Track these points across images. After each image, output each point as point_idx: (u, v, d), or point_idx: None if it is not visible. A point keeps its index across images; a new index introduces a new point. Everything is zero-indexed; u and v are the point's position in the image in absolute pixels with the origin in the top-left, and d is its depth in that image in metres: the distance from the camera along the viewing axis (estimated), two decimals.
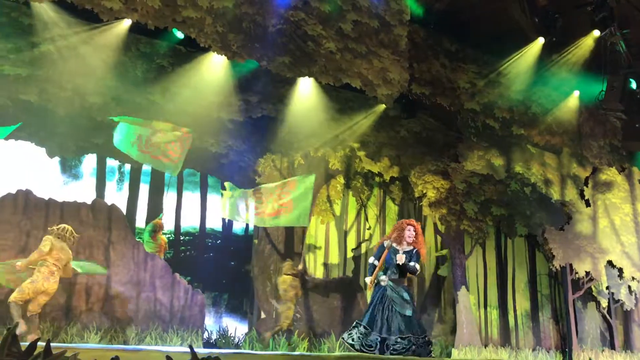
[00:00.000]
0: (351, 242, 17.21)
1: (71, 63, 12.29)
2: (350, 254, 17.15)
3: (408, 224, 8.04)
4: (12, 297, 9.12)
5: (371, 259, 7.96)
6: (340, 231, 17.14)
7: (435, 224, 16.73)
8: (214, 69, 12.98)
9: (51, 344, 3.42)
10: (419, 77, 14.10)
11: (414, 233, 7.90)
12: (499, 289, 18.17)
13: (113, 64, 12.48)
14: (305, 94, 13.54)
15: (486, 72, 14.97)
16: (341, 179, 16.52)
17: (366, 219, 17.60)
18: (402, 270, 7.73)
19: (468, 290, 16.12)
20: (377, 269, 7.69)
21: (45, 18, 11.92)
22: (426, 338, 7.58)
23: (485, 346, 15.98)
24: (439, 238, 17.63)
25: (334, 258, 16.86)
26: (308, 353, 9.41)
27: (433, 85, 14.35)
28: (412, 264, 7.72)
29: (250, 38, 11.72)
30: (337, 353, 6.39)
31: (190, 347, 3.78)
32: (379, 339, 7.36)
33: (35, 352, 3.37)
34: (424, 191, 15.77)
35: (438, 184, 15.56)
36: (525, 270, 18.74)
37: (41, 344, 3.40)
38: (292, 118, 13.94)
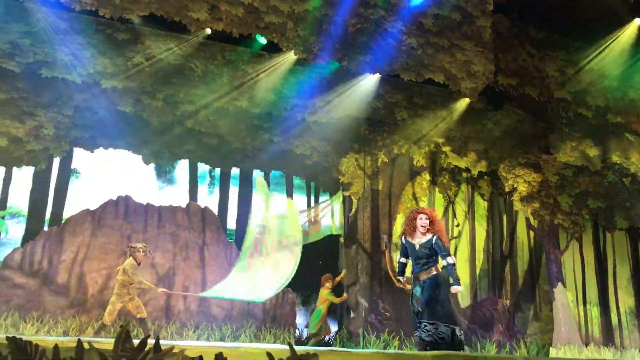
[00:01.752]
0: None
1: (162, 74, 12.92)
2: None
3: (419, 212, 7.10)
4: (143, 314, 9.45)
5: (399, 259, 7.25)
6: None
7: (527, 219, 16.15)
8: (296, 72, 13.22)
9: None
10: (504, 68, 13.68)
11: (427, 221, 6.93)
12: (599, 286, 17.26)
13: (201, 73, 12.98)
14: (388, 91, 13.49)
15: (576, 58, 14.29)
16: (427, 176, 16.30)
17: (454, 215, 17.25)
18: (427, 260, 6.91)
19: (565, 286, 15.44)
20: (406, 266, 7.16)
21: (137, 33, 12.60)
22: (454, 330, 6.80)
23: (586, 345, 15.24)
24: (531, 233, 17.00)
25: None
26: (403, 352, 9.38)
27: (520, 75, 13.88)
28: (449, 267, 6.84)
29: (331, 39, 11.84)
30: (432, 352, 6.31)
31: (290, 344, 3.87)
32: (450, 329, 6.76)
33: (146, 349, 3.56)
34: (515, 185, 15.26)
35: (529, 178, 15.01)
36: (627, 265, 17.69)
37: (150, 341, 3.59)
38: (375, 116, 13.92)
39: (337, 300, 11.69)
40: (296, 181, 16.88)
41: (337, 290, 11.99)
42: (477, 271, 16.52)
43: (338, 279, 11.95)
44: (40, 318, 10.77)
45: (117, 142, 14.33)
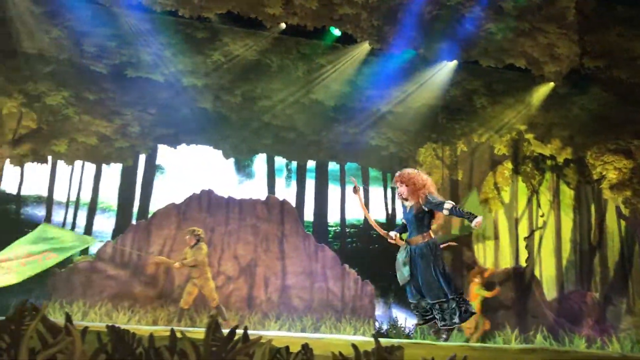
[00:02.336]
0: (523, 231, 16.33)
1: (239, 70, 13.20)
2: (522, 243, 16.31)
3: (395, 182, 6.34)
4: (216, 301, 9.73)
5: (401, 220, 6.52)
6: (511, 219, 16.35)
7: (617, 208, 15.29)
8: (370, 63, 13.14)
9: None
10: (590, 50, 12.97)
11: (402, 188, 6.17)
12: None
13: (277, 68, 13.15)
14: (465, 78, 13.15)
15: None
16: (509, 165, 15.76)
17: (538, 205, 16.59)
18: (417, 224, 6.14)
19: None
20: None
21: (215, 31, 12.92)
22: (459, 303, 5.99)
23: None
24: (622, 223, 16.09)
25: (505, 247, 16.15)
26: (488, 345, 9.15)
27: (608, 57, 13.12)
28: (453, 211, 5.85)
29: (406, 28, 11.66)
30: (519, 345, 6.07)
31: (374, 336, 3.85)
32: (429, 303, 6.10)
33: (235, 338, 3.63)
34: (604, 173, 14.46)
35: (620, 164, 14.18)
36: None
37: (239, 331, 3.67)
38: (452, 104, 13.61)
39: (488, 294, 11.51)
40: (372, 173, 16.81)
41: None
42: (564, 263, 15.84)
43: (487, 274, 11.80)
44: (131, 308, 11.33)
45: (198, 138, 14.79)
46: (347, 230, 16.91)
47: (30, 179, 15.06)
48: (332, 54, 13.21)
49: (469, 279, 11.41)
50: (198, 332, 3.71)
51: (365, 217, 6.95)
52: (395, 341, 4.95)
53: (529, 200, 16.61)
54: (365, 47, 12.55)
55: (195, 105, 13.74)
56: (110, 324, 3.36)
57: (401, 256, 6.17)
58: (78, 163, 14.81)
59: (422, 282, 5.99)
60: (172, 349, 3.45)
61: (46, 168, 14.55)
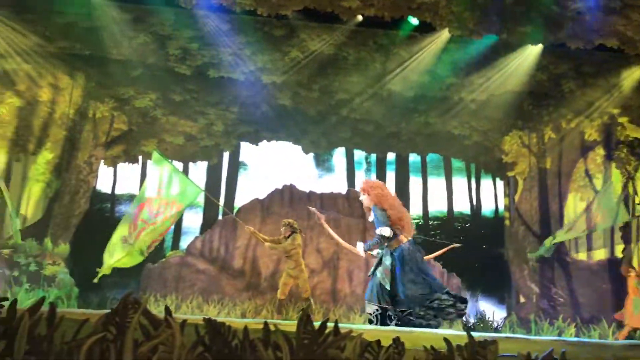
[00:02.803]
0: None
1: (316, 65, 13.27)
2: (618, 233, 15.43)
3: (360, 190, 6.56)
4: (307, 293, 9.88)
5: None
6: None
7: None
8: (450, 51, 12.84)
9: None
10: None
11: (363, 197, 6.50)
12: None
13: (354, 61, 13.12)
14: (552, 62, 12.57)
15: None
16: (600, 151, 14.93)
17: (635, 192, 15.63)
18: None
19: None
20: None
21: (292, 27, 13.05)
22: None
23: None
24: None
25: (598, 237, 15.34)
26: (585, 339, 8.74)
27: None
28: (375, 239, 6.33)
29: (487, 13, 11.28)
30: (620, 341, 5.75)
31: (467, 329, 3.75)
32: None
33: (326, 332, 3.65)
34: None
35: None
36: None
37: (330, 324, 3.69)
38: (539, 89, 13.06)
39: None
40: (455, 163, 16.43)
41: None
42: None
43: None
44: (221, 301, 11.70)
45: (279, 134, 15.03)
46: (430, 222, 16.64)
47: (123, 178, 15.85)
48: (410, 43, 13.01)
49: (624, 273, 11.03)
50: (289, 325, 3.76)
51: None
52: (487, 335, 4.82)
53: (624, 188, 15.68)
54: (444, 35, 12.27)
55: (274, 102, 13.97)
56: (206, 317, 3.47)
57: (386, 261, 6.41)
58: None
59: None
60: (266, 341, 3.53)
61: (137, 168, 15.27)
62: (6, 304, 3.51)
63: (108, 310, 3.44)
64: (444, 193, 16.64)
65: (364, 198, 6.49)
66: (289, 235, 9.54)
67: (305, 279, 9.62)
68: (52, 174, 13.45)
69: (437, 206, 16.67)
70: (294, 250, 9.38)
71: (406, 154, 15.98)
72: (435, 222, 16.75)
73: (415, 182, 16.56)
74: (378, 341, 3.75)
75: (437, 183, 16.67)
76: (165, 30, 12.83)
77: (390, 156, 16.14)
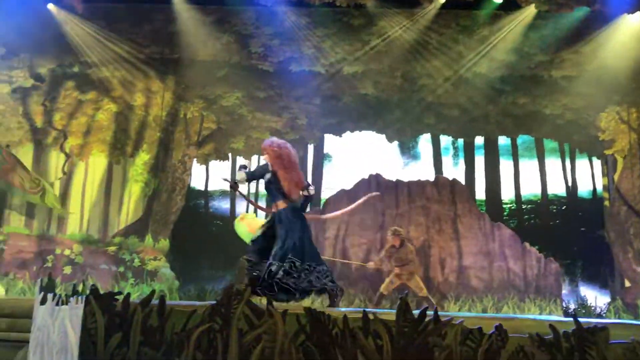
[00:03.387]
0: None
1: (398, 52, 13.13)
2: None
3: None
4: (423, 292, 9.83)
5: None
6: None
7: None
8: (537, 27, 12.32)
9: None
10: None
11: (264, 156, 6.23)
12: None
13: (436, 44, 12.87)
14: None
15: None
16: None
17: None
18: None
19: None
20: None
21: (370, 15, 12.99)
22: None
23: None
24: None
25: None
26: None
27: None
28: None
29: None
30: None
31: (573, 316, 3.61)
32: None
33: (426, 320, 3.63)
34: None
35: None
36: None
37: (429, 312, 3.67)
38: (638, 62, 12.23)
39: None
40: (548, 144, 15.70)
41: None
42: None
43: None
44: None
45: (362, 124, 15.01)
46: (524, 206, 16.04)
47: (215, 175, 16.42)
48: (495, 22, 12.60)
49: None
50: (389, 314, 3.77)
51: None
52: (593, 321, 4.60)
53: None
54: (531, 10, 11.79)
55: (356, 92, 13.98)
56: (307, 307, 3.55)
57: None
58: (254, 158, 15.84)
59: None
60: (366, 330, 3.56)
61: (227, 164, 15.78)
62: (120, 298, 3.75)
63: (214, 302, 3.61)
64: (537, 175, 15.96)
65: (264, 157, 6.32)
66: (400, 244, 9.49)
67: (417, 281, 9.56)
68: (150, 174, 14.19)
69: (531, 189, 16.01)
70: (411, 258, 9.38)
71: (495, 137, 15.45)
72: (529, 205, 16.11)
73: (506, 166, 15.98)
74: (479, 328, 3.69)
75: (529, 165, 16.00)
76: (247, 29, 13.17)
77: (479, 140, 15.68)
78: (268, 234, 6.14)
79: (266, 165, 6.23)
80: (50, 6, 12.62)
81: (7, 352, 5.09)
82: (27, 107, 13.95)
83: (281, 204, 6.11)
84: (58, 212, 13.80)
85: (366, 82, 13.74)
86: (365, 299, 11.43)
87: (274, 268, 5.80)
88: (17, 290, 11.91)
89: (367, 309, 3.70)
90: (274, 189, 6.13)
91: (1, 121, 13.52)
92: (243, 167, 6.35)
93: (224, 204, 16.49)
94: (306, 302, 6.00)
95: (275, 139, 6.40)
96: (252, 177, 6.36)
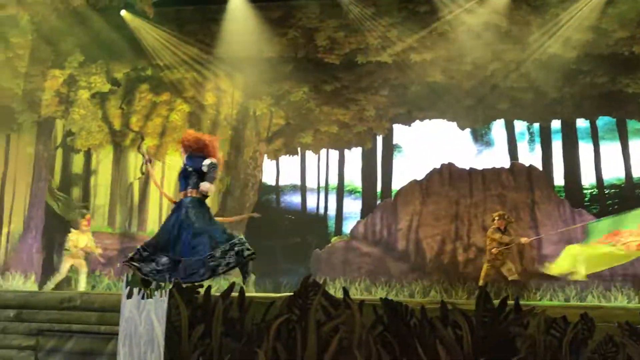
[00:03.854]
0: None
1: (467, 37, 12.77)
2: None
3: None
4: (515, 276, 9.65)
5: None
6: None
7: None
8: (616, 2, 11.66)
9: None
10: None
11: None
12: None
13: (507, 27, 12.43)
14: None
15: None
16: None
17: None
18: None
19: None
20: None
21: (436, 1, 12.68)
22: None
23: None
24: None
25: None
26: None
27: None
28: None
29: None
30: None
31: None
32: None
33: (507, 309, 3.53)
34: None
35: None
36: None
37: (510, 301, 3.56)
38: None
39: None
40: (632, 125, 14.89)
41: None
42: None
43: None
44: (388, 282, 11.85)
45: (431, 112, 14.77)
46: (606, 191, 15.30)
47: (285, 170, 16.64)
48: (568, 1, 12.03)
49: None
50: (468, 304, 3.69)
51: None
52: None
53: None
54: None
55: (424, 80, 13.75)
56: (383, 297, 3.53)
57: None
58: (323, 151, 15.92)
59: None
60: (444, 320, 3.50)
61: (296, 159, 15.96)
62: (201, 291, 3.87)
63: (291, 293, 3.65)
64: (619, 158, 15.18)
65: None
66: (504, 228, 9.35)
67: (510, 265, 9.40)
68: (223, 171, 14.54)
69: (613, 173, 15.26)
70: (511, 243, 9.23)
71: (573, 120, 14.81)
72: (612, 190, 15.36)
73: (585, 149, 15.30)
74: (564, 317, 3.54)
75: (611, 148, 15.25)
76: (312, 23, 13.17)
77: (555, 124, 15.07)
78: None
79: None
80: (124, 13, 13.11)
81: (98, 343, 5.36)
82: (105, 111, 14.59)
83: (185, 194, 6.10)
84: None
85: (435, 69, 13.48)
86: (441, 289, 11.26)
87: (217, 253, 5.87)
88: (104, 286, 12.49)
89: (445, 300, 3.64)
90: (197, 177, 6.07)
91: (83, 125, 14.18)
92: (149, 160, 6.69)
93: (295, 199, 16.70)
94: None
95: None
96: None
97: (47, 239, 13.69)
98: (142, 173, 14.89)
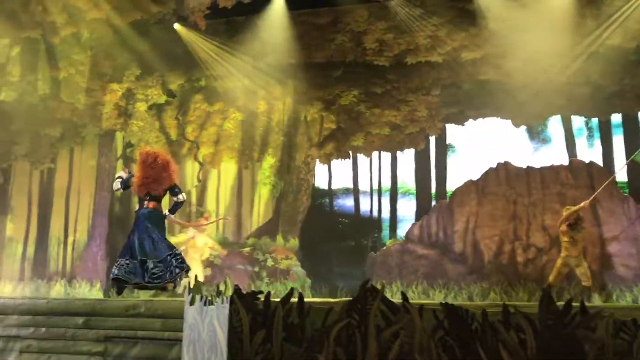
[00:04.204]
0: None
1: (517, 34, 12.49)
2: None
3: None
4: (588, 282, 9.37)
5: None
6: None
7: None
8: None
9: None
10: None
11: None
12: None
13: (561, 20, 12.10)
14: None
15: None
16: None
17: None
18: None
19: None
20: None
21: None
22: None
23: None
24: None
25: None
26: None
27: None
28: None
29: None
30: None
31: None
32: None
33: (572, 311, 3.45)
34: None
35: None
36: None
37: (575, 303, 3.47)
38: None
39: None
40: None
41: None
42: None
43: None
44: (446, 285, 11.71)
45: (484, 111, 14.52)
46: None
47: (337, 173, 16.68)
48: None
49: None
50: (532, 306, 3.62)
51: None
52: None
53: None
54: None
55: (476, 78, 13.58)
56: (444, 302, 3.50)
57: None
58: (375, 154, 15.87)
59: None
60: (507, 323, 3.44)
61: (348, 162, 15.97)
62: (261, 297, 3.93)
63: (349, 299, 3.67)
64: None
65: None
66: (575, 222, 9.21)
67: (585, 268, 9.21)
68: (276, 177, 14.77)
69: None
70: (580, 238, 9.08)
71: (634, 114, 14.22)
72: None
73: None
74: (634, 320, 3.42)
75: None
76: (360, 26, 13.23)
77: (616, 118, 14.52)
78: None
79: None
80: (177, 26, 13.49)
81: (162, 349, 5.52)
82: (162, 121, 15.07)
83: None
84: None
85: (487, 67, 13.27)
86: (501, 291, 11.04)
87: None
88: (167, 293, 12.83)
89: (507, 303, 3.58)
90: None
91: (141, 137, 14.68)
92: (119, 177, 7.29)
93: (349, 202, 16.70)
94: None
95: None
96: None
97: (110, 247, 14.23)
98: (199, 181, 15.26)
